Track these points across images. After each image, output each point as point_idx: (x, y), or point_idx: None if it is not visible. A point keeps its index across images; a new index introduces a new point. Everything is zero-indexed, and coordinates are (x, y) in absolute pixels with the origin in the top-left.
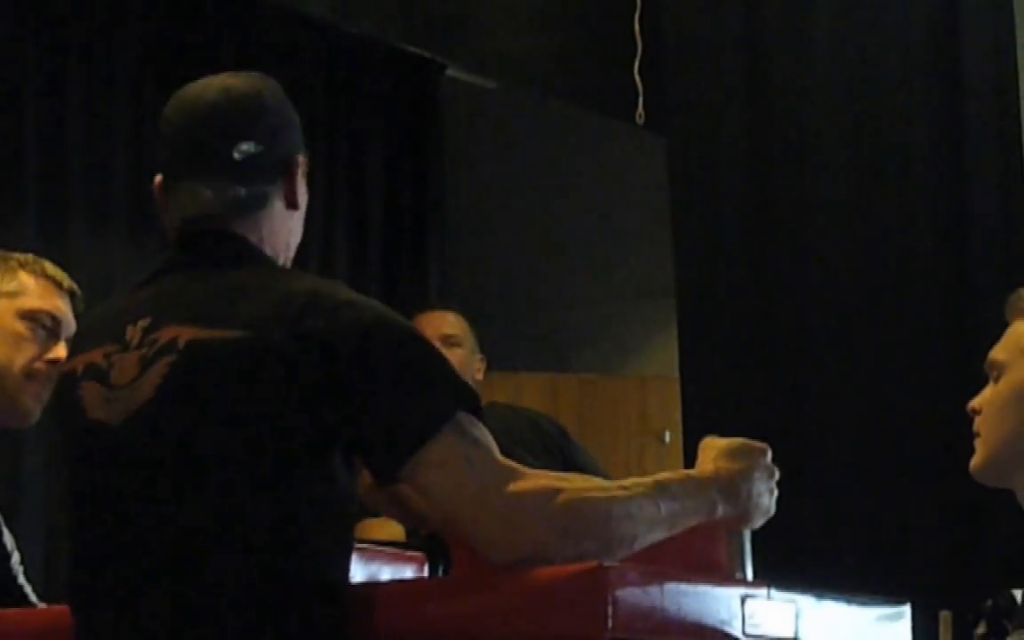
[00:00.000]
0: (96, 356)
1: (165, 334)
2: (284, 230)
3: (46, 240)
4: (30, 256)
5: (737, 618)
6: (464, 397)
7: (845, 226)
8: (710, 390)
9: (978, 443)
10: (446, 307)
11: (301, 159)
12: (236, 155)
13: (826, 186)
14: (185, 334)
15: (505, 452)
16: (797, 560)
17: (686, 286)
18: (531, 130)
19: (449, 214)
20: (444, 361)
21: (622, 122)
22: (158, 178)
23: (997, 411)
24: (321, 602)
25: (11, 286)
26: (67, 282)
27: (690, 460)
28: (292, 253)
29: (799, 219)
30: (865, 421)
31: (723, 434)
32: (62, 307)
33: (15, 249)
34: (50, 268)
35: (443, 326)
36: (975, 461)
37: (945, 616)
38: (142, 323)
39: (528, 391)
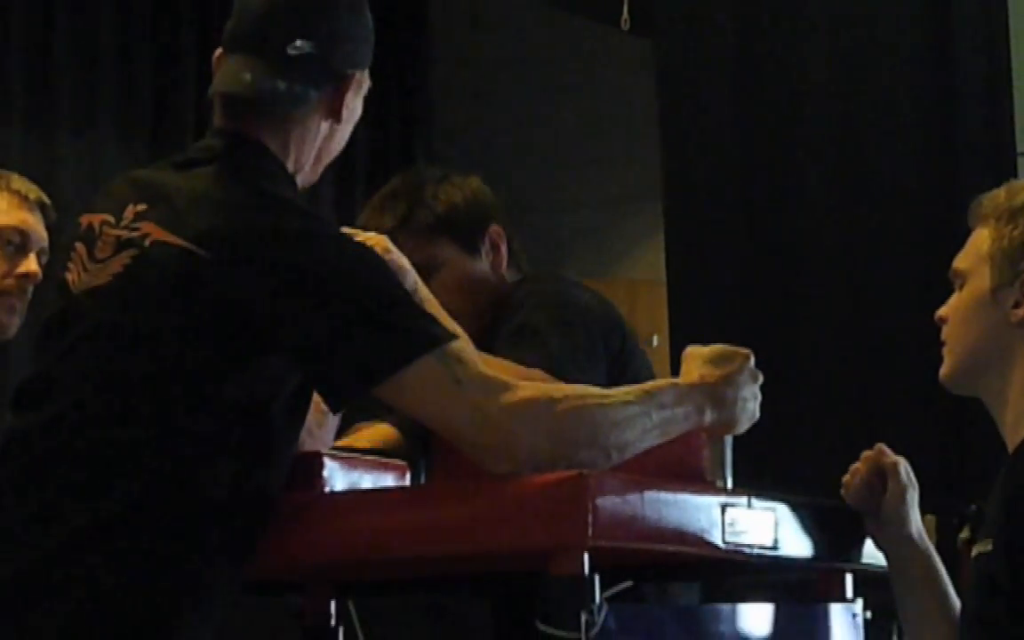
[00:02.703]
0: (96, 220)
1: (144, 226)
2: (317, 139)
3: (32, 145)
4: None
5: (717, 526)
6: (436, 334)
7: (835, 128)
8: (697, 294)
9: (945, 352)
10: None
11: (359, 75)
12: (290, 50)
13: (816, 86)
14: (155, 233)
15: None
16: (779, 468)
17: (673, 191)
18: (518, 37)
19: (436, 121)
20: (410, 303)
21: (608, 26)
22: (218, 51)
23: (961, 319)
24: (228, 516)
25: None
26: (34, 194)
27: (677, 364)
28: (321, 166)
29: (788, 122)
30: (850, 327)
31: (710, 337)
32: (29, 221)
33: (3, 157)
34: (16, 182)
35: None
36: (943, 370)
37: (929, 520)
38: (139, 207)
39: None
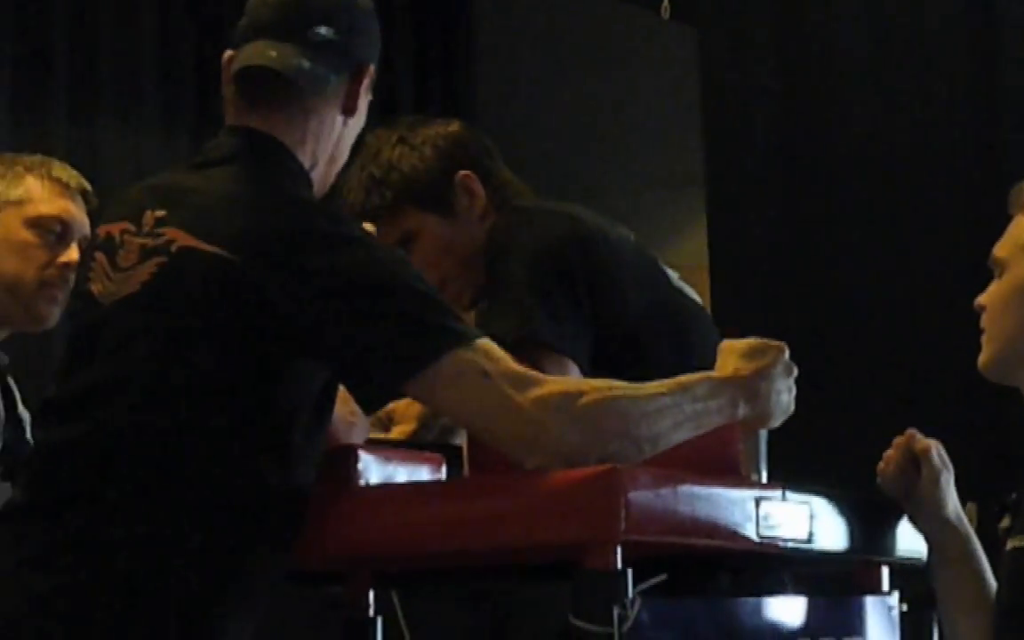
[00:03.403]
0: (115, 229)
1: (168, 232)
2: (333, 135)
3: (76, 134)
4: (37, 158)
5: (751, 520)
6: (463, 331)
7: (878, 112)
8: (740, 280)
9: (984, 340)
10: None
11: (371, 70)
12: (311, 35)
13: (859, 71)
14: (180, 239)
15: None
16: (816, 461)
17: (715, 176)
18: (559, 22)
19: (478, 105)
20: (438, 300)
21: (649, 13)
22: (227, 53)
23: (1000, 308)
24: (264, 511)
25: (17, 193)
26: (75, 181)
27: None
28: (334, 170)
29: (831, 107)
30: (892, 313)
31: (752, 323)
32: (71, 209)
33: (46, 144)
34: (57, 169)
35: None
36: (982, 358)
37: (970, 508)
38: (158, 212)
39: None
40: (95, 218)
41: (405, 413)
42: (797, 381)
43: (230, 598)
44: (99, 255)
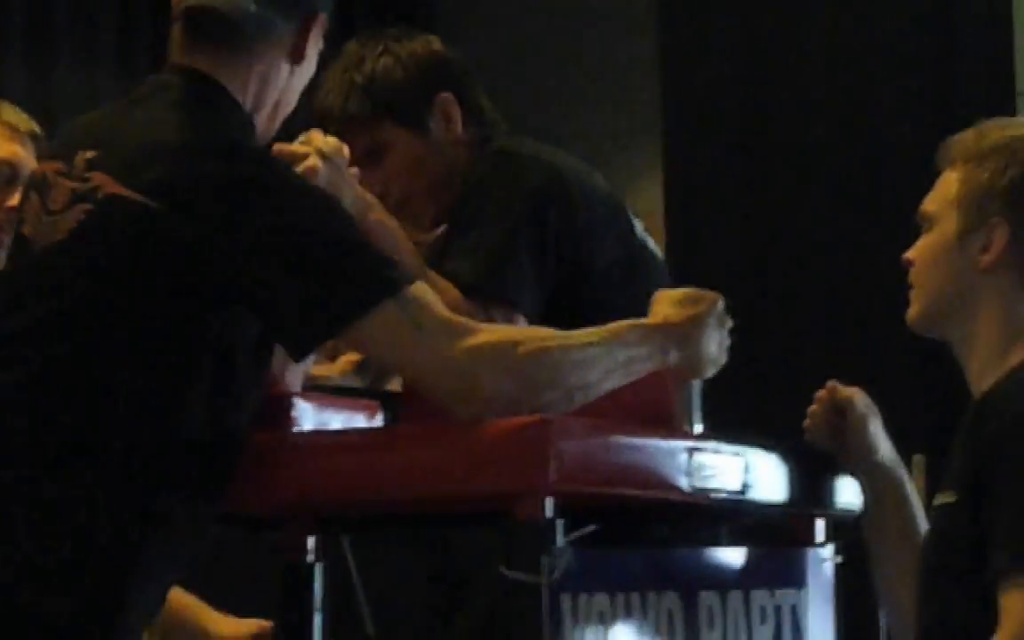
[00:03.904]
0: (50, 168)
1: (95, 177)
2: (278, 81)
3: (32, 78)
4: None
5: (684, 471)
6: (395, 278)
7: (837, 64)
8: (695, 228)
9: (912, 294)
10: None
11: (322, 18)
12: None
13: (819, 24)
14: (107, 186)
15: None
16: (759, 411)
17: (672, 128)
18: None
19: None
20: (368, 248)
21: None
22: None
23: (928, 262)
24: (192, 458)
25: None
26: (25, 125)
27: None
28: (279, 117)
29: (790, 59)
30: (845, 268)
31: (709, 273)
32: (19, 152)
33: (2, 86)
34: (5, 112)
35: None
36: (909, 312)
37: (918, 460)
38: (88, 154)
39: None
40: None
41: None
42: (743, 331)
43: (153, 544)
44: (33, 195)
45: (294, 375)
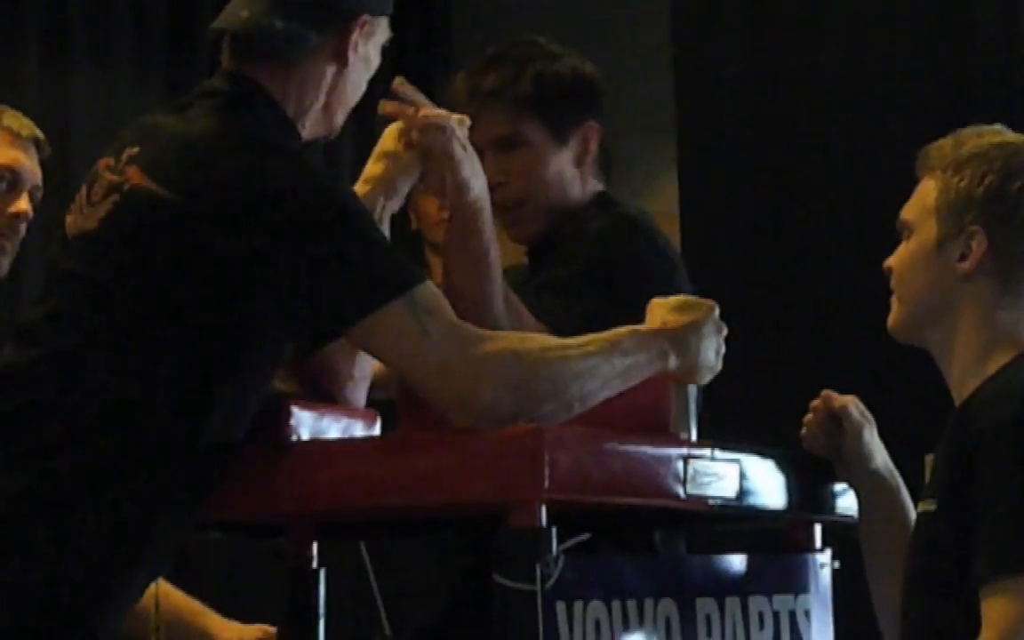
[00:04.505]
0: (102, 164)
1: (129, 171)
2: (321, 85)
3: (47, 81)
4: None
5: (679, 478)
6: (405, 279)
7: (849, 65)
8: (710, 227)
9: (893, 302)
10: None
11: (369, 20)
12: None
13: (832, 26)
14: (135, 178)
15: None
16: (766, 418)
17: (687, 125)
18: None
19: (453, 50)
20: (382, 247)
21: None
22: None
23: (907, 271)
24: (185, 459)
25: None
26: (27, 130)
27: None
28: (336, 114)
29: (803, 57)
30: (854, 271)
31: (723, 271)
32: (21, 159)
33: (17, 90)
34: (7, 118)
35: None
36: (890, 319)
37: (930, 459)
38: (132, 150)
39: None
40: (47, 167)
41: None
42: (762, 333)
43: (137, 546)
44: (83, 188)
45: (359, 392)
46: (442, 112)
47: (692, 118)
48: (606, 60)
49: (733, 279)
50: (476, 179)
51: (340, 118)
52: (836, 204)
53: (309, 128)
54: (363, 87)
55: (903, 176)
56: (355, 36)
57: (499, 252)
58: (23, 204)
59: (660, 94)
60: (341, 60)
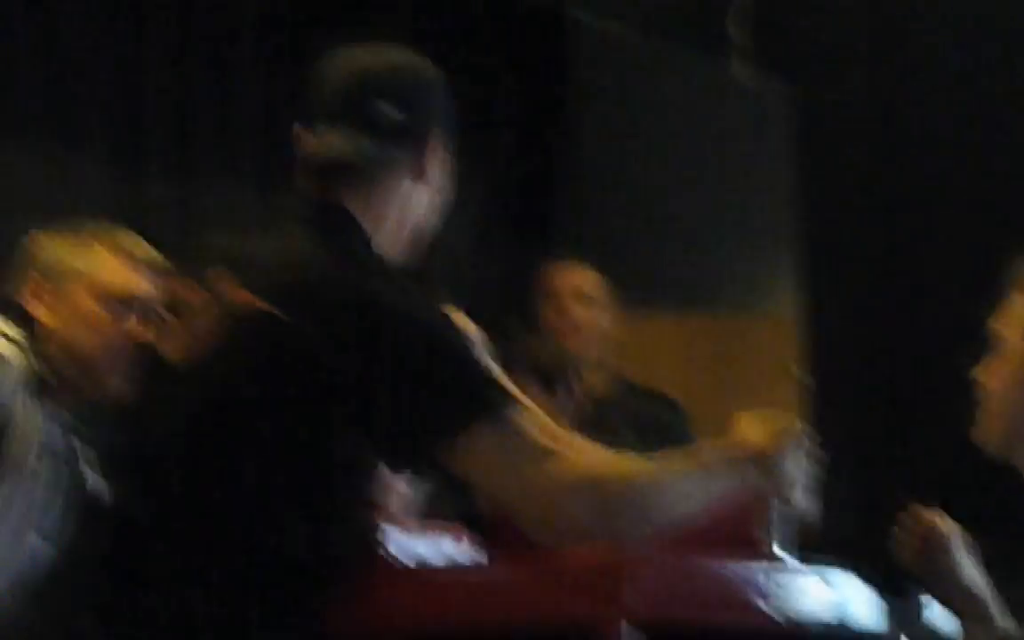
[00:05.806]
0: (182, 286)
1: (229, 292)
2: (405, 201)
3: (174, 194)
4: (104, 227)
5: (763, 595)
6: (492, 400)
7: (977, 172)
8: (834, 332)
9: (981, 412)
10: (582, 262)
11: (440, 137)
12: (374, 114)
13: (955, 127)
14: (238, 297)
15: None
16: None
17: (812, 231)
18: (656, 79)
19: (581, 157)
20: (473, 362)
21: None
22: (297, 128)
23: (1000, 391)
24: (295, 581)
25: (83, 264)
26: (141, 251)
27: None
28: (407, 228)
29: (925, 166)
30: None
31: (847, 374)
32: (134, 280)
33: (142, 203)
34: (124, 240)
35: (580, 282)
36: (980, 433)
37: None
38: (223, 272)
39: (658, 330)
40: (162, 285)
41: None
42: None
43: None
44: (166, 312)
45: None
46: None
47: (817, 226)
48: (730, 165)
49: (853, 384)
50: None
51: (415, 237)
52: (960, 310)
53: (386, 243)
54: (437, 209)
55: None
56: (431, 150)
57: None
58: (140, 326)
59: (783, 197)
60: (418, 175)
